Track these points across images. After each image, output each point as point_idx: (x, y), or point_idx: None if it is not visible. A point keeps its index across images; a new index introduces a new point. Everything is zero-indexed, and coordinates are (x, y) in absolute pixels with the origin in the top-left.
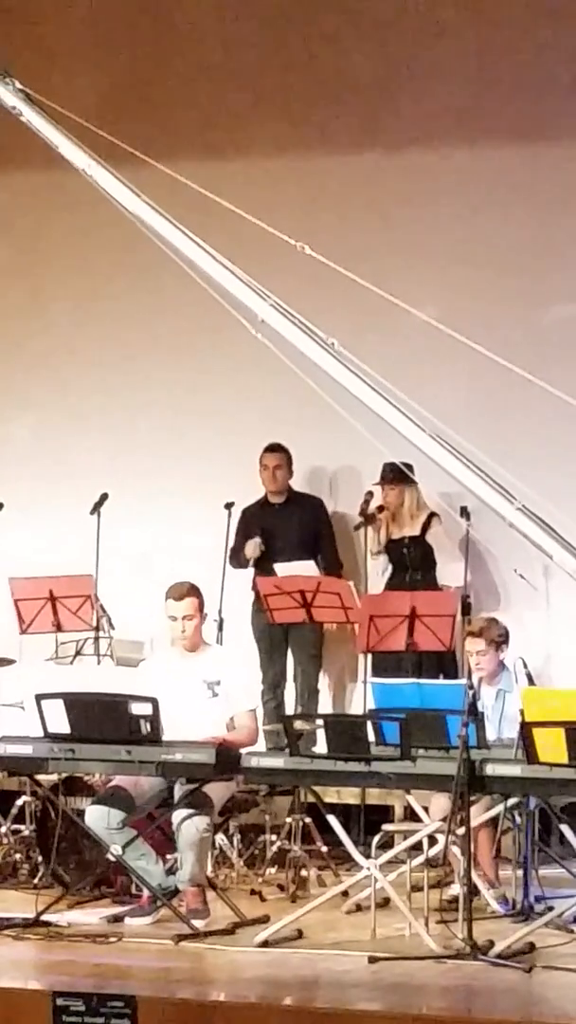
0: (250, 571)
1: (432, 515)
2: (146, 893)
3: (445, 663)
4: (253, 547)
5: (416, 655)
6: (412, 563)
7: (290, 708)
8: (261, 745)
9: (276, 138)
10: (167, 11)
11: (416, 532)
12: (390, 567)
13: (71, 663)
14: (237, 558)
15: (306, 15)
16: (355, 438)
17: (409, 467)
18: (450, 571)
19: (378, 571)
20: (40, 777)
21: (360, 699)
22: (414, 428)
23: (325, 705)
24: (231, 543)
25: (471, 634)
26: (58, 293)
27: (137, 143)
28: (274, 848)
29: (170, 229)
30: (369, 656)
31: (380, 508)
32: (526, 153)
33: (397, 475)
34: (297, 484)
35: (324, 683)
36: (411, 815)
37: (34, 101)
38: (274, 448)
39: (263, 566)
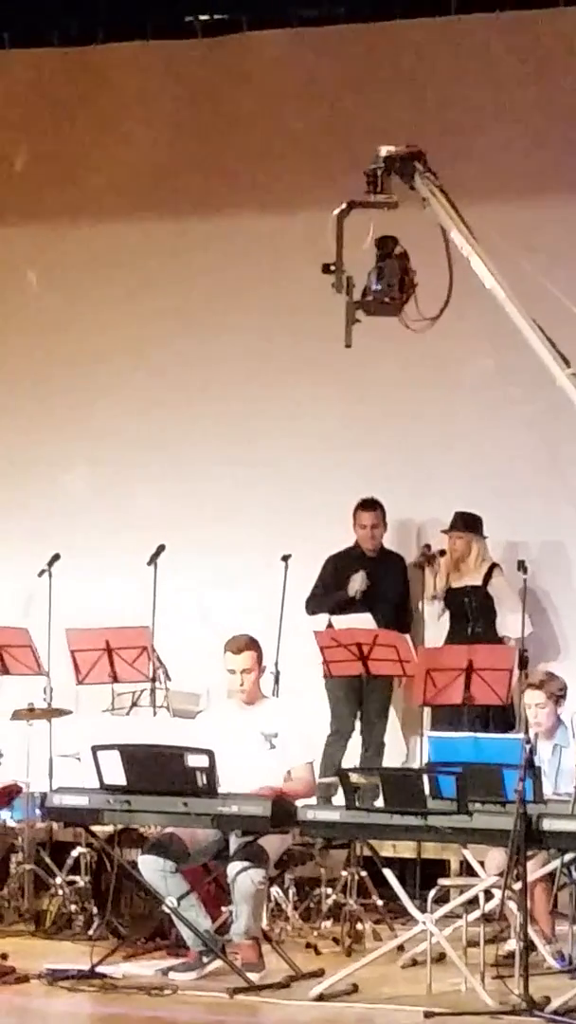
0: (308, 623)
1: (494, 566)
2: (193, 948)
3: (502, 717)
4: (360, 580)
5: (478, 709)
6: (472, 613)
7: (353, 760)
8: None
9: (335, 191)
10: (236, 64)
11: (478, 582)
12: (447, 615)
13: (127, 714)
14: (319, 602)
15: (356, 69)
16: (416, 489)
17: (479, 519)
18: (510, 623)
19: (434, 616)
20: (96, 828)
21: (419, 753)
22: None
23: (387, 759)
24: (299, 590)
25: (531, 686)
26: (113, 344)
27: (196, 194)
28: (329, 901)
29: (508, 301)
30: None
31: (442, 552)
32: None
33: (467, 525)
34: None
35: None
36: (467, 870)
37: (442, 193)
38: (370, 505)
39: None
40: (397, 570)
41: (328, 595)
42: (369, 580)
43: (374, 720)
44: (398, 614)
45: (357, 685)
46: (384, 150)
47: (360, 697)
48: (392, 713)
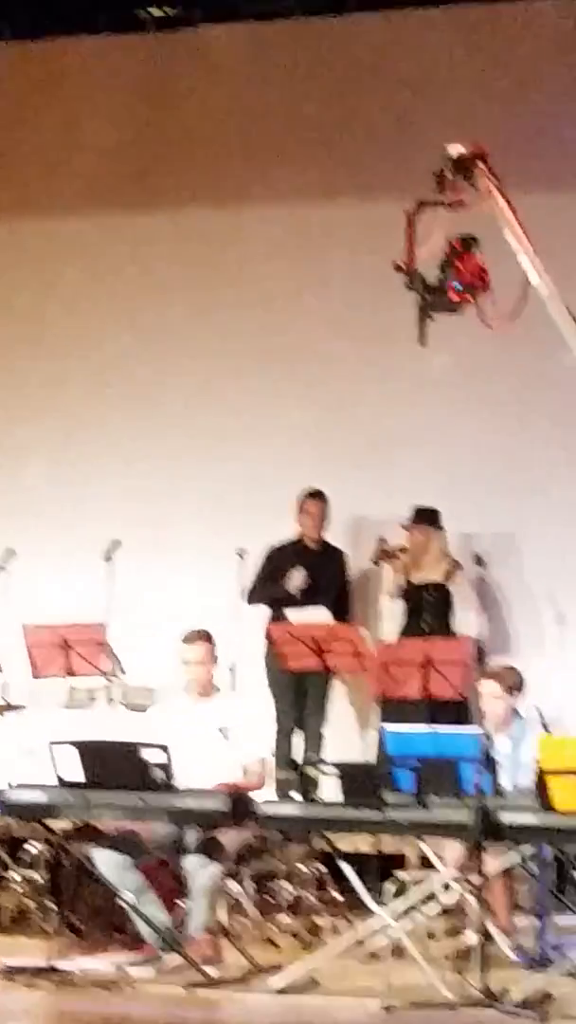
0: (263, 618)
1: (455, 563)
2: (151, 943)
3: (457, 711)
4: (300, 578)
5: (429, 703)
6: (431, 609)
7: (298, 754)
8: (273, 792)
9: (298, 185)
10: (189, 58)
11: (438, 579)
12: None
13: (83, 709)
14: (259, 594)
15: (309, 62)
16: (377, 485)
17: (437, 512)
18: (464, 619)
19: (394, 614)
20: (53, 824)
21: (366, 746)
22: None
23: (335, 752)
24: (249, 583)
25: (486, 676)
26: (70, 339)
27: (153, 188)
28: (288, 896)
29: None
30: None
31: (403, 549)
32: (552, 202)
33: (425, 519)
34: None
35: (335, 730)
36: (425, 863)
37: (499, 192)
38: (317, 495)
39: (280, 610)
40: (337, 564)
41: (267, 587)
42: (309, 575)
43: (311, 713)
44: (338, 607)
45: (294, 681)
46: (452, 150)
47: (298, 692)
48: (348, 708)
